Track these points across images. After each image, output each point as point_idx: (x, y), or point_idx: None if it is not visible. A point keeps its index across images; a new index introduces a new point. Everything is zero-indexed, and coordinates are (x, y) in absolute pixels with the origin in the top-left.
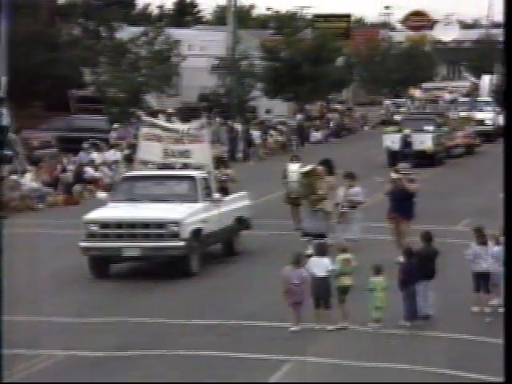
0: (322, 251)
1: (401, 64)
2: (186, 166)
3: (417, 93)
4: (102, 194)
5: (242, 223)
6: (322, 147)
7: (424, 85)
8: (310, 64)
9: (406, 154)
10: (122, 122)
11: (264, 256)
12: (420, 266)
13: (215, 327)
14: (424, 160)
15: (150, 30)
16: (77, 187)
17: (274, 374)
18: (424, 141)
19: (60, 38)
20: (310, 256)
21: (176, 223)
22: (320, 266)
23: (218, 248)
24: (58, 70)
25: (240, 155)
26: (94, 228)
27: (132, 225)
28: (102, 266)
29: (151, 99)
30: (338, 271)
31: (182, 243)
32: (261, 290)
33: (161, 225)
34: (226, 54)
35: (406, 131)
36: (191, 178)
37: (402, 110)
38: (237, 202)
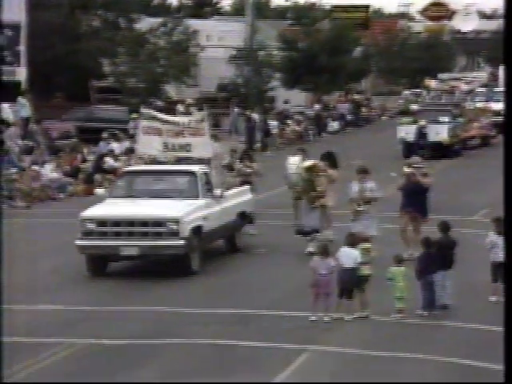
0: (352, 242)
1: (419, 54)
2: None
3: (432, 83)
4: (99, 190)
5: (244, 218)
6: (338, 137)
7: (440, 75)
8: (328, 54)
9: (421, 146)
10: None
11: (271, 249)
12: (438, 256)
13: (233, 316)
14: (439, 152)
15: (168, 20)
16: (97, 177)
17: (292, 363)
18: (440, 132)
19: (80, 29)
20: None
21: (175, 221)
22: (350, 256)
23: (222, 244)
24: (78, 61)
25: (258, 145)
26: (91, 226)
27: (130, 223)
28: (99, 264)
29: (170, 89)
30: (358, 261)
31: (181, 242)
32: (270, 283)
33: (159, 223)
34: (244, 44)
35: (422, 122)
36: (192, 174)
37: (420, 100)
38: (239, 197)
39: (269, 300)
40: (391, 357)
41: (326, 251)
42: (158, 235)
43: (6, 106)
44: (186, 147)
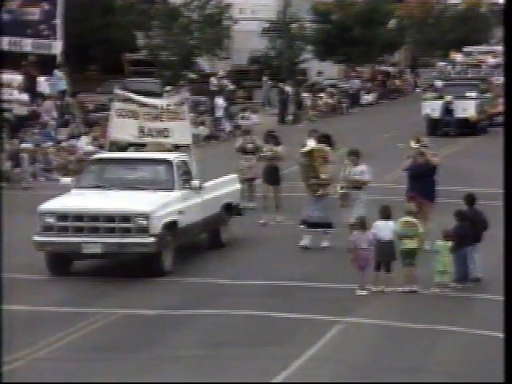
0: (386, 214)
1: (456, 26)
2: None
3: (458, 57)
4: (65, 179)
5: (231, 210)
6: (370, 110)
7: (465, 48)
8: (362, 27)
9: (446, 122)
10: (174, 85)
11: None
12: (471, 229)
13: (264, 287)
14: (466, 129)
15: None
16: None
17: (326, 334)
18: (467, 108)
19: (115, 2)
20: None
21: (144, 216)
22: (386, 229)
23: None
24: (112, 34)
25: (290, 118)
26: (51, 220)
27: (94, 217)
28: (61, 263)
29: (203, 62)
30: (398, 234)
31: (151, 239)
32: (301, 257)
33: (127, 218)
34: (276, 17)
35: (448, 98)
36: (167, 162)
37: (444, 74)
38: (224, 187)
39: (302, 272)
40: (426, 329)
41: (364, 225)
42: (126, 231)
43: (42, 79)
44: (163, 132)
